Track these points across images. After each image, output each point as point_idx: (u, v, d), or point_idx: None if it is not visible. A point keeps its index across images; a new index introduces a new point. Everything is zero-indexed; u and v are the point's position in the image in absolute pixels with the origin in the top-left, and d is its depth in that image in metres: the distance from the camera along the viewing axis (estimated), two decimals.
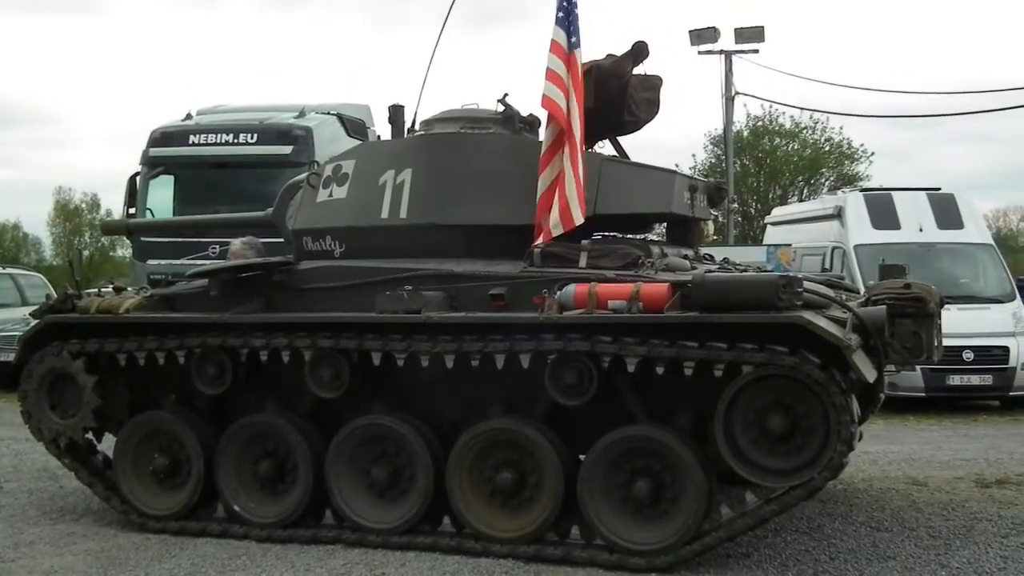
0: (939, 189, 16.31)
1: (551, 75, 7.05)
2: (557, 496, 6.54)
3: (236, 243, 7.96)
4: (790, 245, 16.77)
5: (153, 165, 15.27)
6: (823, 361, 5.83)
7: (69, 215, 55.18)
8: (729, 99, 27.48)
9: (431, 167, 7.31)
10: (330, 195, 7.65)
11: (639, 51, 7.47)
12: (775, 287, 5.90)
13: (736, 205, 30.05)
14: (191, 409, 7.62)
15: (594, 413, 6.56)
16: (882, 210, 15.52)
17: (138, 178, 15.41)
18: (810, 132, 38.95)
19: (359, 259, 7.33)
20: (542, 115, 7.34)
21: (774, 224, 20.36)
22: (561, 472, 6.53)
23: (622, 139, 7.94)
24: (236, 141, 14.86)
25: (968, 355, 13.58)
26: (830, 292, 6.65)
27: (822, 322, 5.87)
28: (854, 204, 15.88)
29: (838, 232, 15.77)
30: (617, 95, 7.42)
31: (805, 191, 38.42)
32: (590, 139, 7.44)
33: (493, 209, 7.18)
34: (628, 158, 7.77)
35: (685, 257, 7.30)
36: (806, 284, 6.29)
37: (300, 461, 7.15)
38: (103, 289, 8.28)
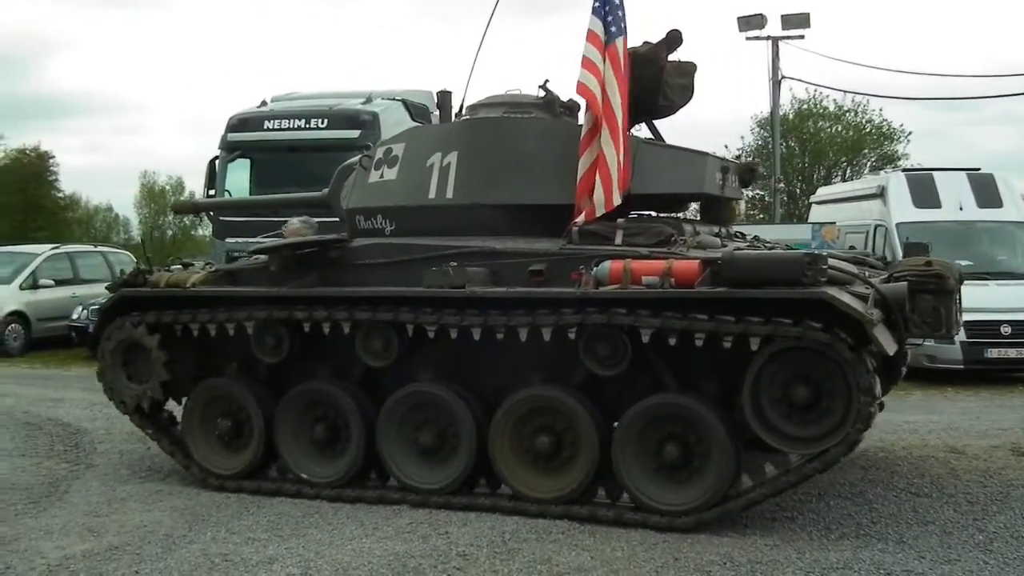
0: (979, 169, 15.97)
1: (587, 63, 7.04)
2: (593, 459, 6.58)
3: (294, 222, 8.03)
4: (834, 223, 16.56)
5: (231, 149, 15.43)
6: (846, 334, 5.81)
7: (154, 197, 56.06)
8: (776, 83, 27.17)
9: (476, 150, 7.34)
10: (381, 176, 7.70)
11: (673, 39, 7.46)
12: (801, 264, 5.89)
13: (782, 185, 29.65)
14: (252, 376, 7.76)
15: (627, 382, 6.58)
16: (923, 190, 15.27)
17: (217, 162, 15.59)
18: (852, 114, 38.50)
19: (408, 237, 7.37)
20: (581, 100, 7.32)
21: (819, 203, 20.11)
22: (596, 436, 6.57)
23: (658, 122, 7.91)
24: (308, 126, 14.96)
25: (1006, 329, 13.32)
26: (854, 269, 6.61)
27: (845, 297, 5.84)
28: (896, 184, 15.62)
29: (881, 211, 15.53)
30: (652, 81, 7.40)
31: (848, 171, 37.98)
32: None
33: (534, 189, 7.19)
34: (663, 141, 7.74)
35: (716, 235, 7.29)
36: (831, 261, 6.27)
37: (353, 425, 7.26)
38: (173, 265, 8.43)
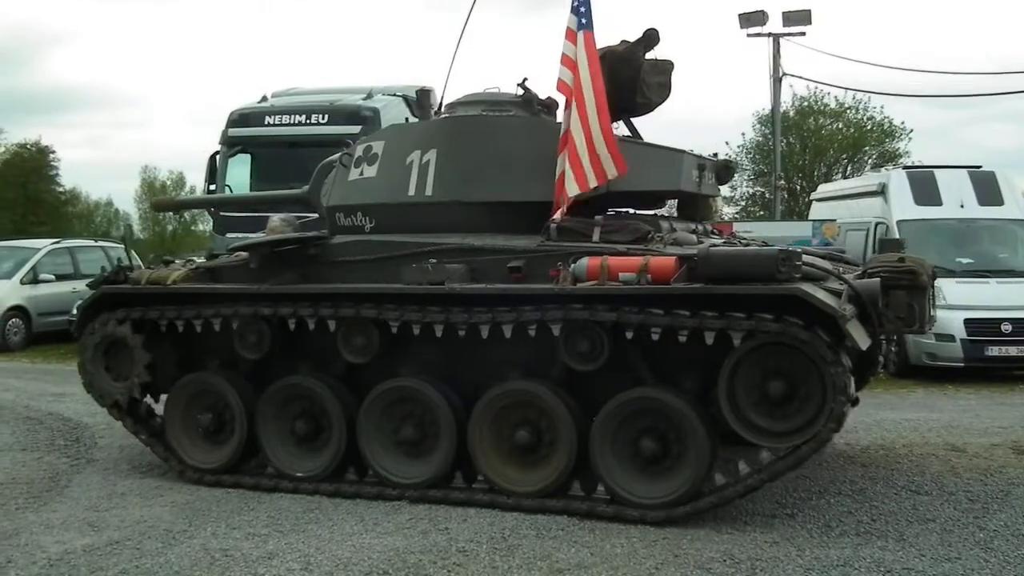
0: (980, 167, 15.96)
1: (565, 60, 7.14)
2: (571, 453, 6.65)
3: (275, 219, 8.06)
4: (835, 220, 16.54)
5: (232, 144, 15.45)
6: (822, 331, 5.89)
7: (155, 192, 55.99)
8: (777, 80, 27.15)
9: (454, 148, 7.39)
10: (361, 174, 7.76)
11: (650, 38, 7.52)
12: (775, 261, 5.97)
13: (783, 182, 29.63)
14: (234, 372, 7.82)
15: (606, 376, 6.65)
16: (924, 187, 15.25)
17: (218, 157, 15.60)
18: (853, 112, 38.44)
19: (388, 234, 7.43)
20: (559, 98, 7.40)
21: (819, 200, 20.10)
22: (574, 430, 6.64)
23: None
24: (308, 122, 14.96)
25: (1006, 327, 13.32)
26: (828, 265, 6.68)
27: (819, 293, 5.93)
28: (897, 181, 15.60)
29: (882, 208, 15.53)
30: (630, 79, 7.47)
31: (848, 168, 37.93)
32: None
33: (512, 187, 7.24)
34: (641, 138, 7.81)
35: (693, 232, 7.37)
36: (805, 258, 6.35)
37: (334, 420, 7.33)
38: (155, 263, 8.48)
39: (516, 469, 6.89)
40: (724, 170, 8.05)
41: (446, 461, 7.00)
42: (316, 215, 8.67)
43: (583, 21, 7.12)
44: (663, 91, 7.75)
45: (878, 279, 6.30)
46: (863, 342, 6.02)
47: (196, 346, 7.94)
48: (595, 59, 7.07)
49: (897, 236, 14.35)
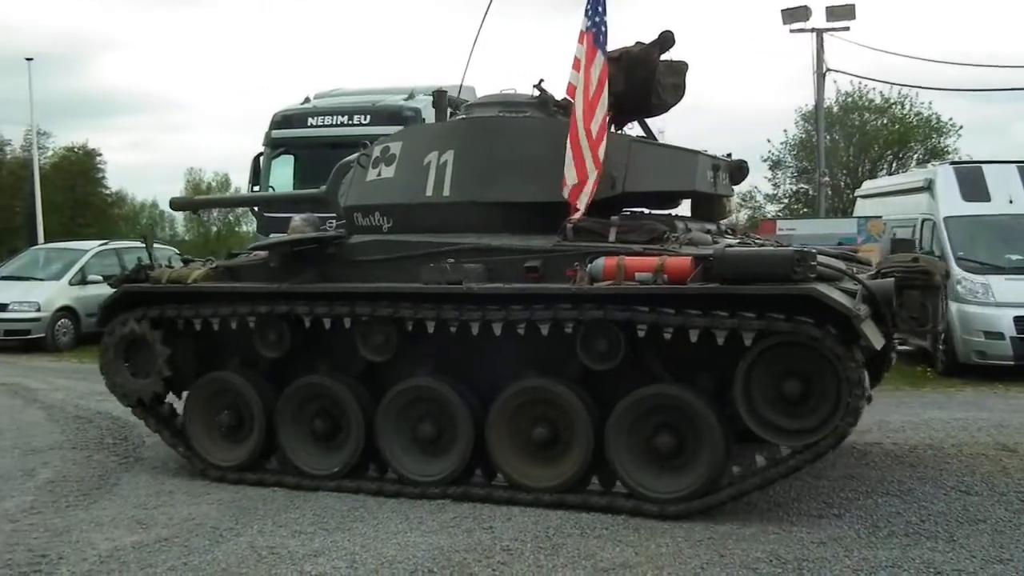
0: None
1: (577, 64, 7.20)
2: (588, 449, 6.70)
3: (296, 219, 8.14)
4: (880, 217, 16.32)
5: (275, 146, 15.62)
6: (836, 331, 5.93)
7: (200, 193, 56.52)
8: (820, 76, 26.89)
9: (471, 148, 7.46)
10: (379, 174, 7.83)
11: (665, 40, 7.58)
12: (790, 261, 6.01)
13: (827, 179, 29.33)
14: (254, 370, 7.91)
15: (622, 374, 6.68)
16: (972, 182, 14.96)
17: (261, 158, 15.74)
18: (899, 107, 37.97)
19: (405, 234, 7.50)
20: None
21: (864, 197, 19.86)
22: (591, 427, 6.69)
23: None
24: (351, 122, 15.07)
25: None
26: (842, 265, 6.69)
27: (834, 294, 5.95)
28: (944, 177, 15.31)
29: (928, 204, 15.28)
30: (645, 80, 7.52)
31: (894, 164, 37.46)
32: (619, 121, 7.56)
33: (529, 187, 7.29)
34: (655, 139, 7.86)
35: (708, 232, 7.39)
36: (820, 258, 6.36)
37: (352, 419, 7.41)
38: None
39: (535, 465, 6.95)
40: (738, 170, 8.08)
41: (463, 459, 7.07)
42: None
43: (589, 23, 7.17)
44: (677, 92, 7.81)
45: (892, 279, 6.33)
46: (877, 342, 6.04)
47: (217, 345, 8.05)
48: (590, 57, 7.11)
49: (944, 233, 14.22)
